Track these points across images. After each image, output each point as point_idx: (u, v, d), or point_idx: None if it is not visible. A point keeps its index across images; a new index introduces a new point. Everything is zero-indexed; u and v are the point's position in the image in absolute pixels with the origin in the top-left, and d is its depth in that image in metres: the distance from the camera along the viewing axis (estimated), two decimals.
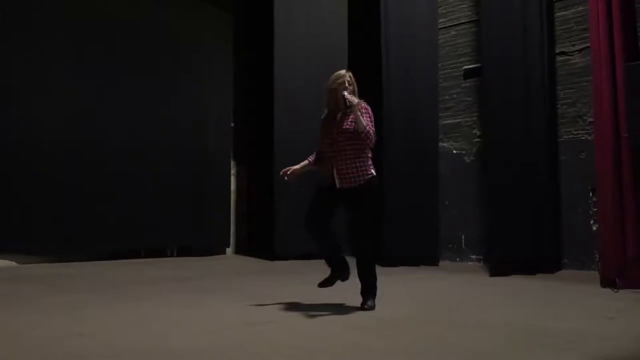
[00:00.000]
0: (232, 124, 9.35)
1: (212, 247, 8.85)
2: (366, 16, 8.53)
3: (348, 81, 4.05)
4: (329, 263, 4.17)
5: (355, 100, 3.92)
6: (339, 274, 4.14)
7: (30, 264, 6.93)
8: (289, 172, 4.16)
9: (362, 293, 4.04)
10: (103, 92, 7.68)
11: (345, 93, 3.95)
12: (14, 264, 6.93)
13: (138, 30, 8.12)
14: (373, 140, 3.96)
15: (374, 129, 3.98)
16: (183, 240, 8.56)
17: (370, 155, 4.06)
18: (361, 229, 3.99)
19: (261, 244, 8.83)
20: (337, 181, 3.98)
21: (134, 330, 3.22)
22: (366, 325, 3.50)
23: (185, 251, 8.57)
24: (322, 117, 4.19)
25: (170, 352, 2.75)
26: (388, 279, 6.19)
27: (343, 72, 4.13)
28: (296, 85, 8.26)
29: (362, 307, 3.94)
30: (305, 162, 4.21)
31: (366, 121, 3.92)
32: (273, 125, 8.34)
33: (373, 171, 4.03)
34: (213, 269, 7.02)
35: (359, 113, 3.89)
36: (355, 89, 4.10)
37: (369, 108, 4.05)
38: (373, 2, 8.16)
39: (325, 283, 4.16)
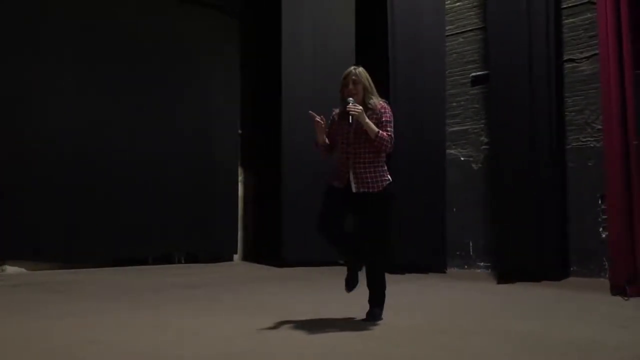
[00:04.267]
0: (240, 131, 9.37)
1: (219, 254, 8.86)
2: (373, 23, 8.54)
3: (354, 80, 3.81)
4: (348, 261, 4.04)
5: (357, 110, 3.69)
6: (357, 265, 3.96)
7: (39, 271, 6.97)
8: (317, 118, 3.90)
9: (370, 301, 3.95)
10: (111, 99, 7.73)
11: (350, 103, 3.71)
12: (23, 270, 6.97)
13: (146, 37, 8.16)
14: (389, 145, 3.78)
15: (391, 131, 3.79)
16: (191, 247, 8.58)
17: (385, 159, 3.89)
18: (375, 236, 3.85)
19: (269, 250, 8.83)
20: (353, 185, 3.79)
21: (145, 338, 3.23)
22: (374, 333, 3.50)
23: (193, 258, 8.58)
24: (337, 111, 3.98)
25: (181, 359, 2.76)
26: (395, 287, 6.17)
27: (351, 68, 3.88)
28: (304, 92, 8.26)
29: (368, 316, 3.87)
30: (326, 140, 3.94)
31: (384, 125, 3.75)
32: (280, 132, 8.35)
33: (389, 177, 3.88)
34: (221, 275, 7.03)
35: (366, 120, 3.70)
36: (368, 84, 3.86)
37: (388, 107, 3.84)
38: (380, 9, 8.18)
39: (350, 284, 3.94)
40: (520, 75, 6.94)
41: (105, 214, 7.53)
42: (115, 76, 7.79)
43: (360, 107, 3.73)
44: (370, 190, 3.77)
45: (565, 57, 7.11)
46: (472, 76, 7.92)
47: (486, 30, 7.54)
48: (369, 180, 3.79)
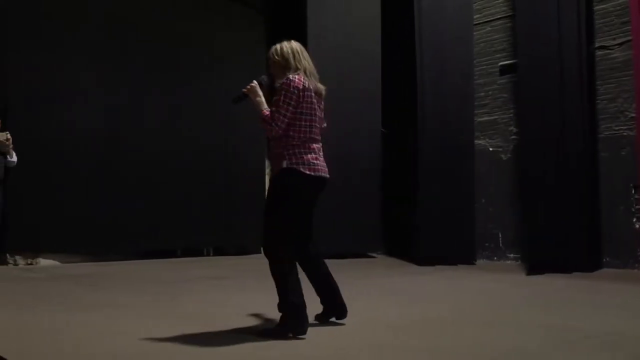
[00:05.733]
0: None
1: (247, 247, 8.93)
2: (399, 14, 8.47)
3: (268, 58, 3.41)
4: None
5: (246, 88, 3.39)
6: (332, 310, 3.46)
7: (71, 263, 7.12)
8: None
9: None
10: (138, 95, 7.83)
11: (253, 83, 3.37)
12: (56, 263, 7.12)
13: (172, 33, 8.23)
14: (269, 127, 3.20)
15: (279, 112, 3.18)
16: (218, 240, 8.66)
17: (294, 142, 3.22)
18: (265, 224, 3.23)
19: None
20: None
21: (175, 329, 3.27)
22: (403, 325, 3.48)
23: (221, 251, 8.66)
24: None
25: (214, 352, 2.79)
26: (424, 278, 6.17)
27: (274, 46, 3.43)
28: (329, 86, 8.23)
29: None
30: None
31: (274, 104, 3.23)
32: None
33: (290, 162, 3.19)
34: (248, 268, 7.08)
35: (256, 99, 3.33)
36: (283, 60, 3.35)
37: (291, 83, 3.21)
38: (406, 0, 8.10)
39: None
40: (550, 64, 6.81)
41: (135, 208, 7.64)
42: (145, 71, 7.89)
43: (253, 85, 3.40)
44: (273, 175, 3.35)
45: (597, 44, 6.96)
46: (501, 65, 7.81)
47: (515, 18, 7.42)
48: (272, 163, 3.38)
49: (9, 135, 6.39)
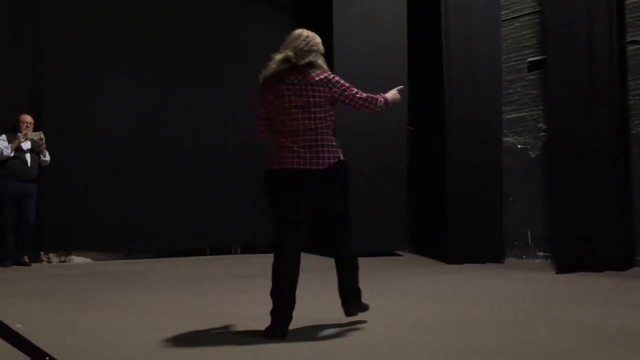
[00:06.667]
0: None
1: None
2: (426, 10, 8.42)
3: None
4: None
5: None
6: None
7: (103, 261, 7.25)
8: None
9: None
10: (167, 95, 7.95)
11: None
12: (89, 260, 7.27)
13: (199, 33, 8.31)
14: None
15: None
16: (246, 238, 8.72)
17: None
18: None
19: (321, 241, 8.86)
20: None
21: (208, 326, 3.32)
22: (433, 323, 3.47)
23: (249, 249, 8.73)
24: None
25: (250, 349, 2.82)
26: (453, 277, 6.13)
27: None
28: (354, 83, 8.22)
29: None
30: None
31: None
32: None
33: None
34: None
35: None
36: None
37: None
38: None
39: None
40: (580, 59, 6.70)
41: (165, 207, 7.75)
42: (172, 72, 7.98)
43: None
44: None
45: (628, 39, 6.82)
46: (529, 61, 7.71)
47: (543, 13, 7.32)
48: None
49: (42, 135, 6.54)
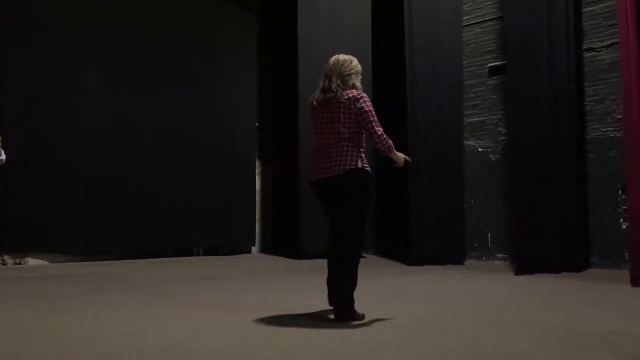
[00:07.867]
0: (257, 124, 9.40)
1: (238, 247, 8.91)
2: (390, 15, 8.50)
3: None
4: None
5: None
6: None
7: (61, 263, 7.07)
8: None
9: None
10: (133, 94, 7.80)
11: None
12: (45, 262, 7.07)
13: (165, 32, 8.20)
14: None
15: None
16: (209, 239, 8.64)
17: None
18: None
19: (286, 242, 8.87)
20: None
21: (168, 330, 3.27)
22: (396, 325, 3.50)
23: (212, 251, 8.64)
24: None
25: (207, 352, 2.79)
26: (414, 279, 6.20)
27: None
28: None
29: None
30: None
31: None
32: (297, 125, 8.36)
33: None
34: (240, 268, 7.07)
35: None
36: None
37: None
38: (397, 1, 8.13)
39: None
40: (539, 65, 6.87)
41: (126, 208, 7.60)
42: (137, 72, 7.84)
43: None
44: None
45: (585, 46, 7.02)
46: (490, 67, 7.87)
47: (504, 20, 7.48)
48: None
49: None
